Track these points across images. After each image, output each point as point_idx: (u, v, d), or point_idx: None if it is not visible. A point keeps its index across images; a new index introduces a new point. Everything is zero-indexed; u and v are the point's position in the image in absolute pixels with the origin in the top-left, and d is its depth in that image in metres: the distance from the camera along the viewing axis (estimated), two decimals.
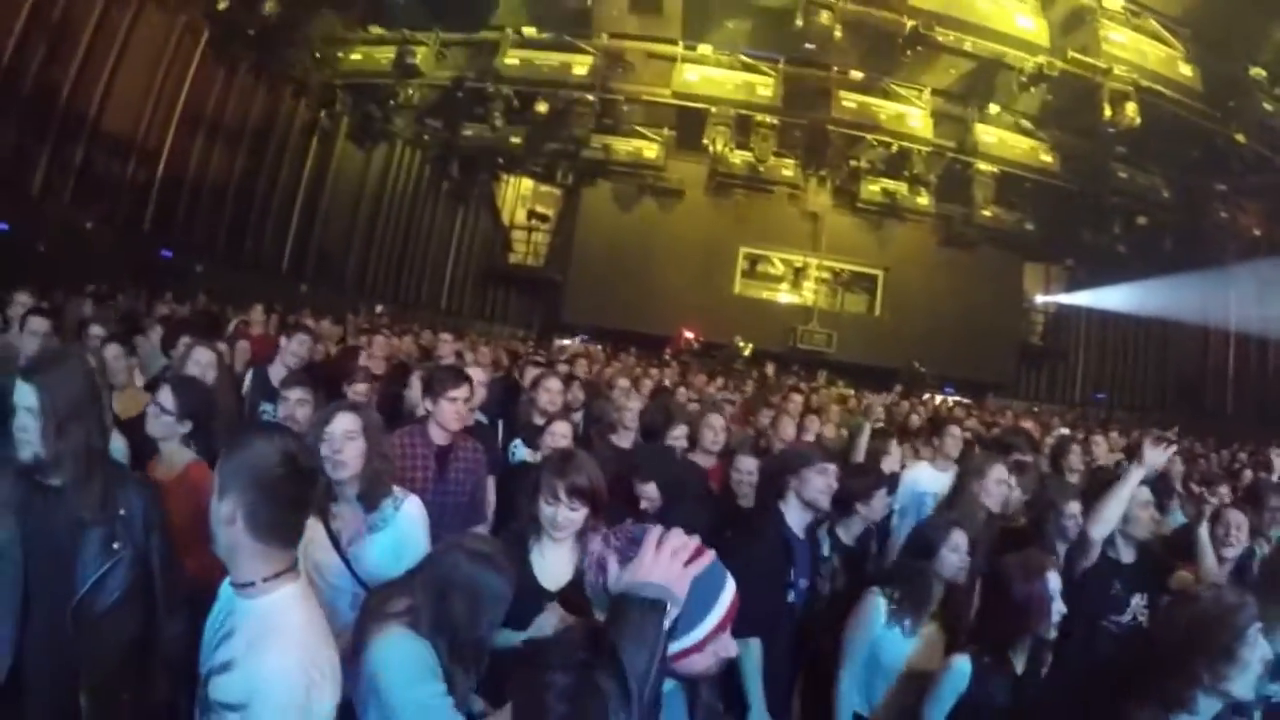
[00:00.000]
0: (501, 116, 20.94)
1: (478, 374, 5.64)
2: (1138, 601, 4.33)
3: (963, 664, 3.28)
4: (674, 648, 1.88)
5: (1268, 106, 16.78)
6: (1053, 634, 3.37)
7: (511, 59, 20.07)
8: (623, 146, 23.48)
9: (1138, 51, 16.70)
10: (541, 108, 20.80)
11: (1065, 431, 12.79)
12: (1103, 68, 16.87)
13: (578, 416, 6.77)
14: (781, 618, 4.03)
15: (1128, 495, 4.16)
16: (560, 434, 5.14)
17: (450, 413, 4.54)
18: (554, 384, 6.21)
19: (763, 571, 3.78)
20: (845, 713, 3.87)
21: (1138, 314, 23.50)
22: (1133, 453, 8.02)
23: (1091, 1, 16.66)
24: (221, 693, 2.02)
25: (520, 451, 5.89)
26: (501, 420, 6.53)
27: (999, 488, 5.04)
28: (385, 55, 19.96)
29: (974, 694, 3.27)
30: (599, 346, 19.77)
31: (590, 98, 20.62)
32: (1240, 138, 17.33)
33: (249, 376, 6.41)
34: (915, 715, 3.50)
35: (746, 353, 21.95)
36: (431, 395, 4.58)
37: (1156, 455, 4.23)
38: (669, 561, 1.84)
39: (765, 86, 20.55)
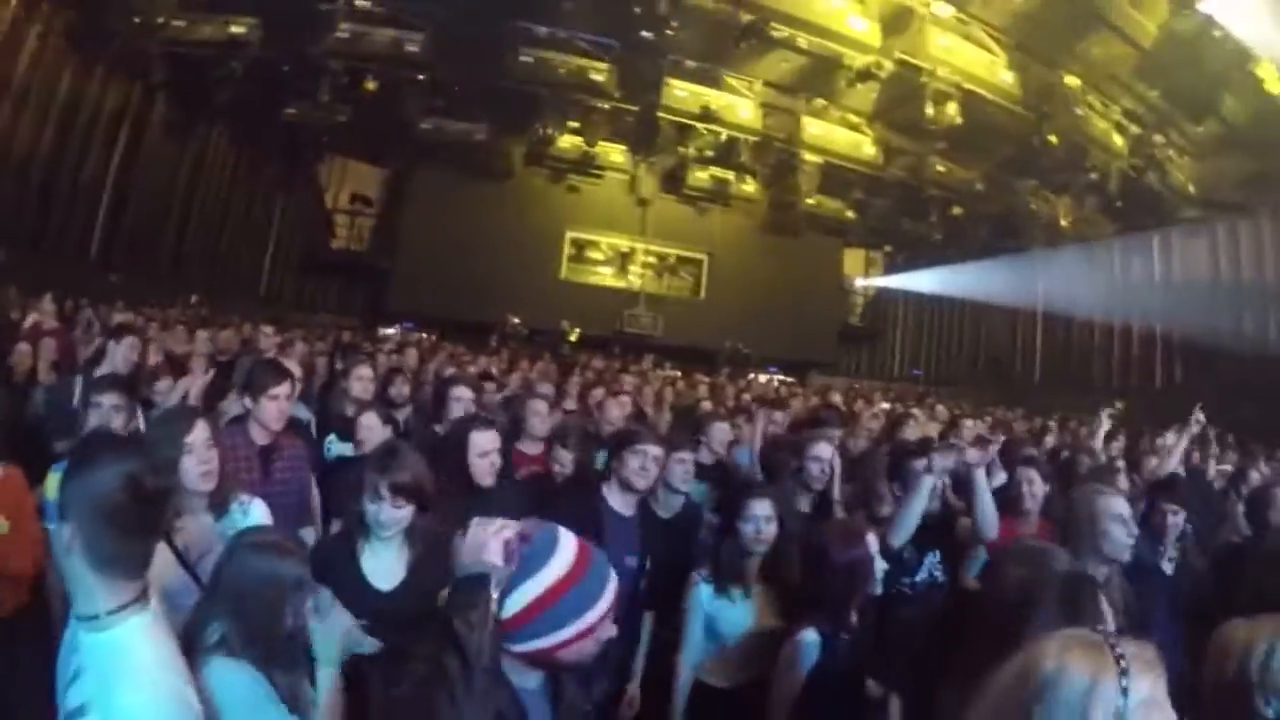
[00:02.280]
0: (329, 93, 19.92)
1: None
2: (931, 559, 4.55)
3: (809, 636, 3.32)
4: (565, 634, 1.99)
5: (1079, 112, 18.09)
6: (879, 590, 3.48)
7: (342, 33, 19.02)
8: (453, 127, 22.26)
9: (962, 56, 17.56)
10: (371, 85, 19.90)
11: (886, 405, 13.54)
12: (928, 69, 17.63)
13: (406, 411, 6.54)
14: None
15: (921, 507, 4.24)
16: (368, 425, 4.98)
17: (273, 411, 4.32)
18: (365, 372, 6.00)
19: None
20: (683, 691, 3.93)
21: (952, 296, 25.03)
22: (951, 428, 8.66)
23: (921, 8, 17.34)
24: None
25: (335, 446, 5.57)
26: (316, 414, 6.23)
27: (814, 465, 5.15)
28: (209, 25, 18.42)
29: (820, 662, 3.32)
30: (423, 335, 19.25)
31: (422, 77, 19.91)
32: (1053, 139, 18.56)
33: (77, 384, 5.68)
34: (759, 671, 3.58)
35: (573, 338, 21.95)
36: (251, 393, 4.35)
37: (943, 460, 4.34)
38: (491, 538, 1.97)
39: (599, 71, 20.34)
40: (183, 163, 21.44)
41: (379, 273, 24.53)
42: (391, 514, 3.17)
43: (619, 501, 4.26)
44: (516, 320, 21.69)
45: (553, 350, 18.76)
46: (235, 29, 18.30)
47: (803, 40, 17.95)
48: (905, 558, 4.37)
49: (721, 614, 3.89)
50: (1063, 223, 21.97)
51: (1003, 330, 24.76)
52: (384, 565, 3.23)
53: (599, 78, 20.33)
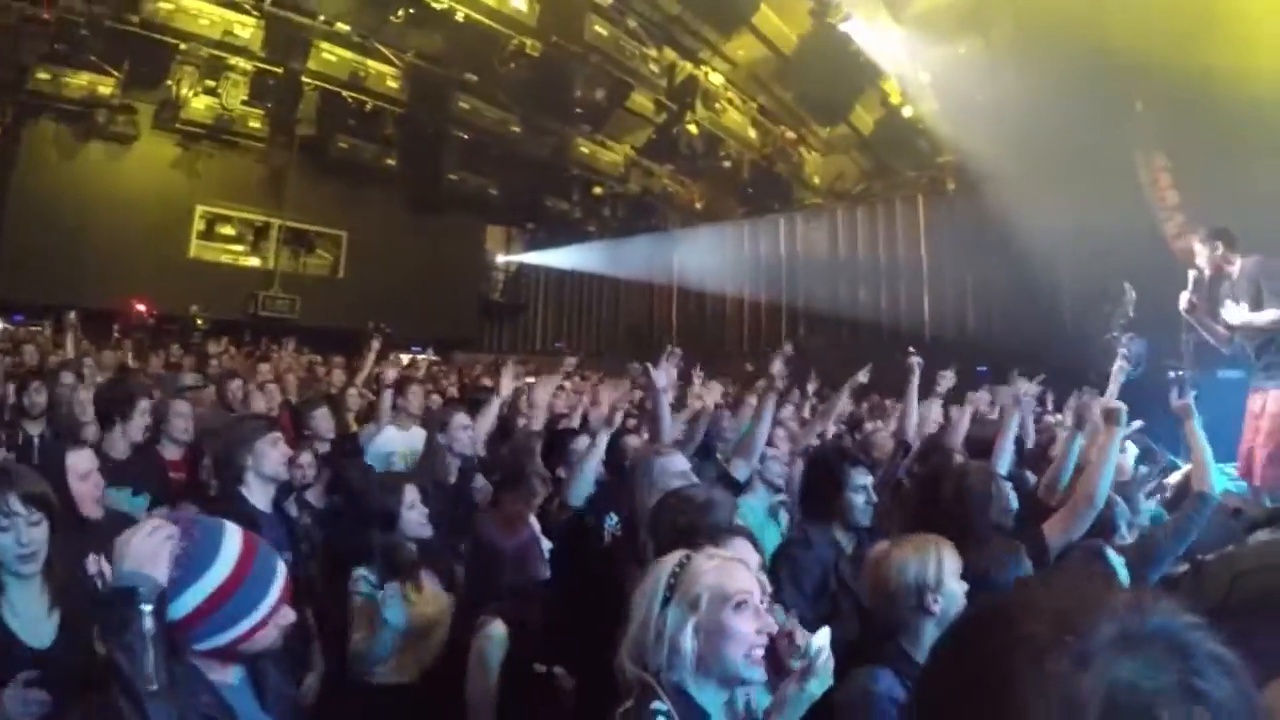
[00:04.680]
0: None
1: None
2: (610, 522, 4.55)
3: (496, 630, 3.43)
4: (245, 626, 2.02)
5: (718, 106, 19.87)
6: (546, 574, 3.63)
7: None
8: (75, 80, 19.39)
9: (614, 44, 18.51)
10: None
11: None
12: (581, 54, 18.47)
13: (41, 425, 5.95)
14: None
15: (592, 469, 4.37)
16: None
17: None
18: None
19: None
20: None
21: (592, 271, 26.14)
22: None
23: None
24: None
25: None
26: None
27: (464, 433, 5.43)
28: None
29: (509, 654, 3.46)
30: (38, 327, 17.12)
31: (46, 17, 17.45)
32: (692, 129, 20.28)
33: None
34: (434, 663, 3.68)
35: (200, 323, 20.66)
36: None
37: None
38: (161, 546, 1.90)
39: (245, 28, 18.98)
40: None
41: None
42: (31, 534, 2.65)
43: (261, 498, 4.06)
44: (143, 306, 20.01)
45: (182, 339, 17.62)
46: None
47: (460, 14, 18.08)
48: (589, 525, 4.27)
49: (394, 610, 3.75)
50: (697, 205, 24.02)
51: (641, 303, 26.16)
52: (31, 618, 2.67)
53: (244, 34, 19.04)
